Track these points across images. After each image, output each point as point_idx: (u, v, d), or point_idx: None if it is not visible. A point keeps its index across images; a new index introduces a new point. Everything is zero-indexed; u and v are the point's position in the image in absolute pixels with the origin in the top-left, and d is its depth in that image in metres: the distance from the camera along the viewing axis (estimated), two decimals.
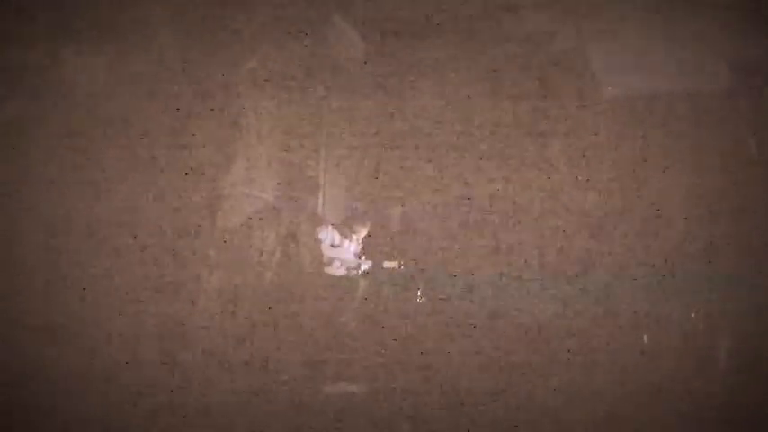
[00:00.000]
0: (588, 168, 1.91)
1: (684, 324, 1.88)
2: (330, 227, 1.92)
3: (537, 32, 1.94)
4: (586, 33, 1.94)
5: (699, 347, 1.88)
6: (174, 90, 1.94)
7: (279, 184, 1.93)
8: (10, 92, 1.96)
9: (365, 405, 1.89)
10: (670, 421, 1.87)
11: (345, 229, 1.92)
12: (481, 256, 1.90)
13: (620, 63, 1.93)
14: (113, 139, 1.94)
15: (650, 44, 1.94)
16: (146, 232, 1.91)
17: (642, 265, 1.89)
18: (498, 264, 1.89)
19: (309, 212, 1.93)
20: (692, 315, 1.88)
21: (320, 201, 1.93)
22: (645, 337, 1.88)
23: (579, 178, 1.91)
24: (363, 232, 1.92)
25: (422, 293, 1.90)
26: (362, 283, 1.91)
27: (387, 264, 1.91)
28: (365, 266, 1.92)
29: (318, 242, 1.92)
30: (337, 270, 1.92)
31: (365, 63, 1.94)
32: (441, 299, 1.90)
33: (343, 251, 1.92)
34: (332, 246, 1.92)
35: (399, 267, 1.91)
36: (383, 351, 1.89)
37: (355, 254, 1.92)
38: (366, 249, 1.92)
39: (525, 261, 1.90)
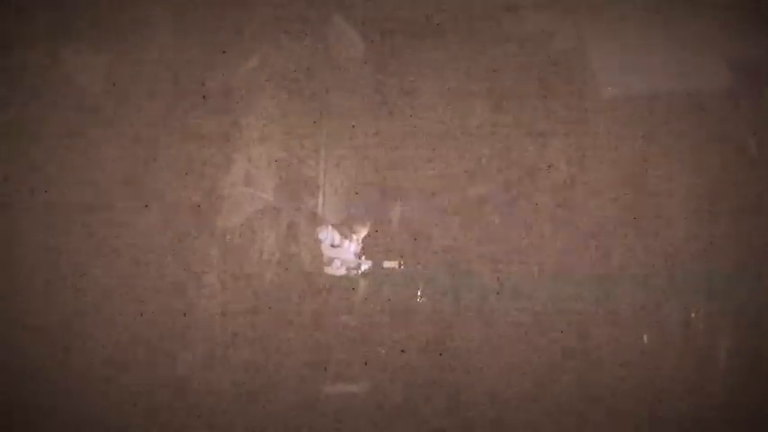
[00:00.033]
0: (588, 168, 1.91)
1: (684, 324, 1.88)
2: (330, 227, 1.92)
3: (537, 32, 1.94)
4: (586, 33, 1.94)
5: (699, 347, 1.88)
6: (174, 90, 1.94)
7: (279, 184, 1.93)
8: (10, 92, 1.96)
9: (365, 405, 1.89)
10: (670, 421, 1.87)
11: (345, 229, 1.92)
12: (481, 256, 1.90)
13: (620, 63, 1.93)
14: (113, 139, 1.94)
15: (650, 44, 1.94)
16: (146, 232, 1.91)
17: (642, 265, 1.89)
18: (498, 263, 1.90)
19: (309, 212, 1.93)
20: (692, 315, 1.88)
21: (320, 201, 1.93)
22: (645, 337, 1.88)
23: (579, 178, 1.91)
24: (363, 232, 1.92)
25: (422, 293, 1.90)
26: (362, 283, 1.91)
27: (387, 264, 1.91)
28: (365, 266, 1.92)
29: (318, 242, 1.92)
30: (337, 270, 1.92)
31: (365, 63, 1.94)
32: (440, 299, 1.90)
33: (343, 251, 1.92)
34: (332, 246, 1.92)
35: (399, 267, 1.91)
36: (383, 351, 1.89)
37: (355, 254, 1.92)
38: (366, 249, 1.92)
39: (525, 261, 1.90)
